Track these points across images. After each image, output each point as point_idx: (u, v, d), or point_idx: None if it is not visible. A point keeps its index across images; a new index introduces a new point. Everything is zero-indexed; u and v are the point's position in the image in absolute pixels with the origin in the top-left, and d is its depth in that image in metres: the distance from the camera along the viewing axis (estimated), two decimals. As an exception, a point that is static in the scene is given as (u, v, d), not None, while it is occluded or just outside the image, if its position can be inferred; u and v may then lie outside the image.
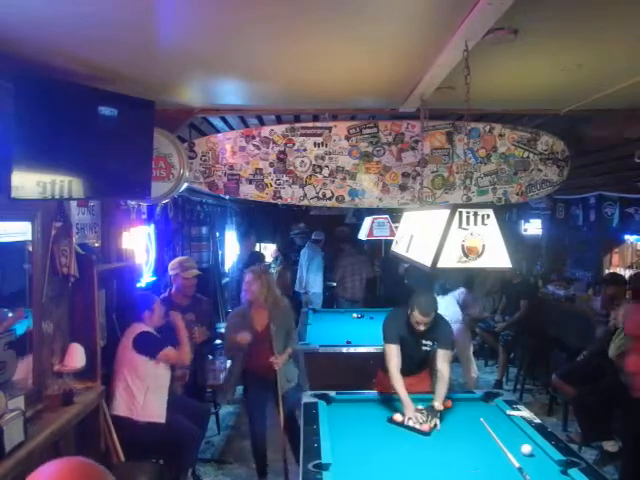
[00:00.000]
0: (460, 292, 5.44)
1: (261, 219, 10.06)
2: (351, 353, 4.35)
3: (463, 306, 5.36)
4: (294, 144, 3.89)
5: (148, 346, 3.21)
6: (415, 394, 3.03)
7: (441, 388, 2.99)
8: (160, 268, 4.82)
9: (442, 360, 3.12)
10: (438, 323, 3.19)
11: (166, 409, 3.22)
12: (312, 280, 7.47)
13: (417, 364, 3.28)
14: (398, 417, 2.82)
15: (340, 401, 3.10)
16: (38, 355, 2.68)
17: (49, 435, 2.43)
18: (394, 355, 3.09)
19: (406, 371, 3.16)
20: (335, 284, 7.48)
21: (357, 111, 3.79)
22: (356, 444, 2.55)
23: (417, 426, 2.71)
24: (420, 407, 2.84)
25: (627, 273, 5.48)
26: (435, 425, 2.75)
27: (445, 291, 5.50)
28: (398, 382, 2.98)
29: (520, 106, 3.61)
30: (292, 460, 3.59)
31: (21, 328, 2.62)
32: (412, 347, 3.18)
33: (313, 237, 8.02)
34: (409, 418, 2.77)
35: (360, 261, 7.18)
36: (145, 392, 3.16)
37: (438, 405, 2.86)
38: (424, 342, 3.19)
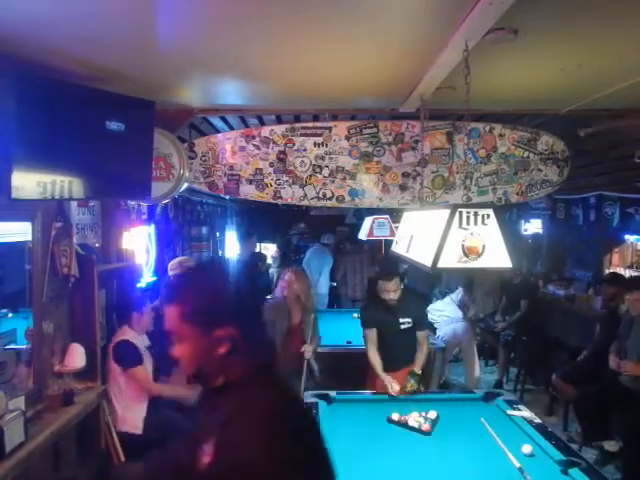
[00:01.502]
0: (458, 292, 5.51)
1: (261, 219, 10.07)
2: (351, 353, 4.35)
3: (460, 305, 5.40)
4: (294, 144, 3.89)
5: (122, 357, 3.15)
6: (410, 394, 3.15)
7: (419, 356, 3.41)
8: (160, 268, 4.82)
9: (421, 339, 3.49)
10: (410, 299, 3.50)
11: (161, 412, 3.20)
12: (322, 282, 7.55)
13: (402, 348, 3.43)
14: (396, 416, 2.82)
15: (340, 401, 3.10)
16: (38, 355, 2.68)
17: (49, 435, 2.43)
18: (371, 339, 3.45)
19: (393, 358, 3.35)
20: (335, 283, 7.54)
21: (357, 111, 3.79)
22: (357, 444, 2.54)
23: (416, 425, 2.71)
24: (416, 414, 2.85)
25: (627, 273, 5.47)
26: (412, 389, 3.12)
27: (444, 295, 5.55)
28: (376, 360, 3.34)
29: (520, 106, 3.61)
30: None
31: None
32: (391, 327, 3.42)
33: (324, 241, 8.11)
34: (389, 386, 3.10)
35: (361, 260, 7.24)
36: (124, 402, 3.14)
37: (417, 369, 3.26)
38: (401, 320, 3.41)
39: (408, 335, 3.43)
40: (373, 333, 3.46)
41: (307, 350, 3.75)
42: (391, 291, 3.33)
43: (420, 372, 3.28)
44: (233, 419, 1.10)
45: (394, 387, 3.11)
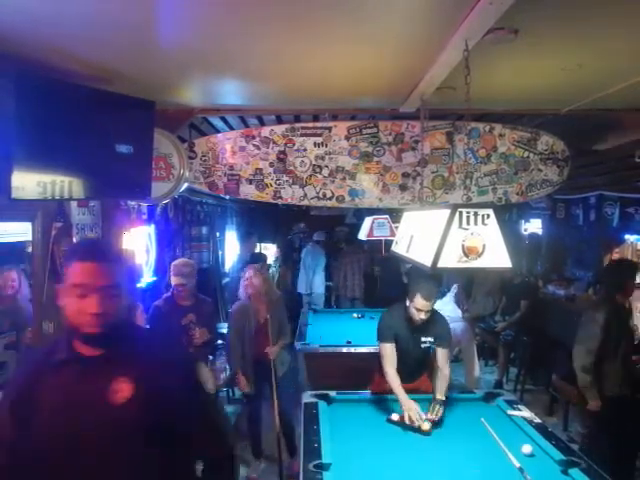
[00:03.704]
0: (454, 288, 5.51)
1: (261, 219, 10.07)
2: (351, 353, 4.35)
3: (457, 301, 5.40)
4: (294, 144, 3.89)
5: None
6: (415, 394, 3.04)
7: (442, 382, 3.02)
8: (160, 268, 4.82)
9: (442, 359, 3.14)
10: (436, 318, 3.20)
11: None
12: (317, 281, 7.55)
13: (416, 364, 3.26)
14: (395, 416, 2.82)
15: (340, 401, 3.10)
16: (38, 355, 2.68)
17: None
18: (389, 354, 3.10)
19: (405, 373, 3.15)
20: (331, 284, 7.55)
21: (357, 111, 3.79)
22: (357, 444, 2.54)
23: (417, 424, 2.71)
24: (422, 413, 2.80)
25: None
26: (439, 416, 2.77)
27: (443, 294, 5.55)
28: (395, 381, 2.97)
29: (520, 106, 3.61)
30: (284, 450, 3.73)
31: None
32: (411, 344, 3.17)
33: (315, 238, 8.04)
34: (409, 417, 2.75)
35: (359, 260, 7.25)
36: None
37: (440, 396, 2.89)
38: (423, 339, 3.17)
39: (425, 352, 3.23)
40: (393, 348, 3.11)
41: (270, 352, 3.76)
42: (424, 311, 3.02)
43: (444, 398, 2.90)
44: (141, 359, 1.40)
45: (423, 426, 2.68)
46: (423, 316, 3.04)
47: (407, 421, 2.74)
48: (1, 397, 1.33)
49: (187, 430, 1.44)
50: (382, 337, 3.18)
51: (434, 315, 3.16)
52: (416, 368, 3.28)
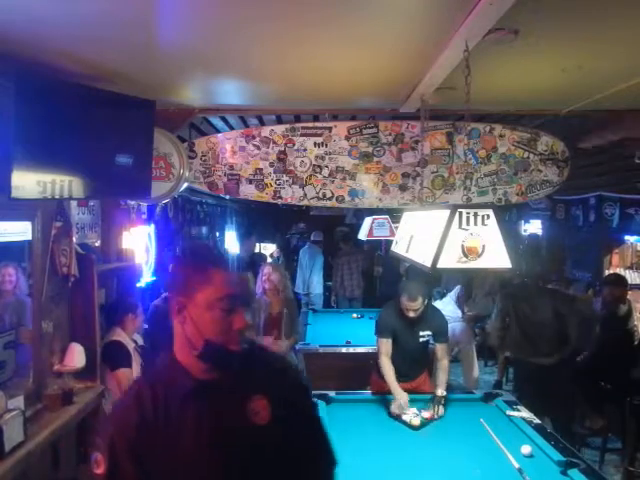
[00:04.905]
0: (456, 290, 5.51)
1: (261, 219, 10.08)
2: (351, 353, 4.35)
3: (458, 302, 5.40)
4: (294, 144, 3.89)
5: (111, 358, 3.09)
6: (416, 394, 3.08)
7: (442, 376, 3.15)
8: (160, 268, 4.81)
9: (441, 352, 3.27)
10: (432, 313, 3.29)
11: None
12: (315, 281, 7.53)
13: (415, 360, 3.31)
14: (395, 410, 2.88)
15: (340, 401, 3.10)
16: (38, 355, 2.68)
17: (49, 435, 2.43)
18: (384, 348, 3.21)
19: (405, 368, 3.20)
20: (331, 284, 7.55)
21: (357, 111, 3.79)
22: (356, 444, 2.54)
23: (407, 419, 2.76)
24: (415, 409, 2.88)
25: (627, 274, 5.47)
26: (440, 415, 2.86)
27: (443, 295, 5.55)
28: (389, 373, 3.08)
29: (520, 106, 3.61)
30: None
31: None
32: (409, 339, 3.24)
33: (312, 238, 8.03)
34: (397, 407, 2.87)
35: (357, 260, 7.25)
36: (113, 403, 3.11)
37: (441, 392, 2.97)
38: (421, 333, 3.24)
39: (424, 347, 3.30)
40: (389, 343, 3.21)
41: (281, 345, 3.89)
42: (411, 310, 3.14)
43: (445, 394, 2.98)
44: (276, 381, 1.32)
45: (413, 421, 2.78)
46: (412, 314, 3.15)
47: (396, 410, 2.86)
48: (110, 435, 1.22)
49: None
50: (378, 332, 3.30)
51: (431, 309, 3.27)
52: (415, 364, 3.33)
